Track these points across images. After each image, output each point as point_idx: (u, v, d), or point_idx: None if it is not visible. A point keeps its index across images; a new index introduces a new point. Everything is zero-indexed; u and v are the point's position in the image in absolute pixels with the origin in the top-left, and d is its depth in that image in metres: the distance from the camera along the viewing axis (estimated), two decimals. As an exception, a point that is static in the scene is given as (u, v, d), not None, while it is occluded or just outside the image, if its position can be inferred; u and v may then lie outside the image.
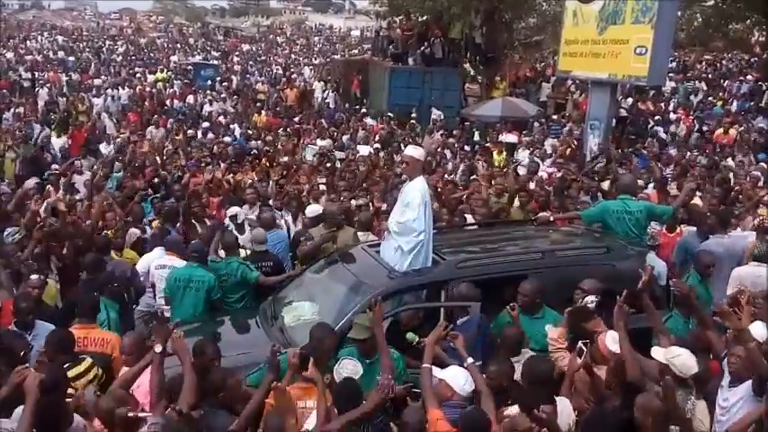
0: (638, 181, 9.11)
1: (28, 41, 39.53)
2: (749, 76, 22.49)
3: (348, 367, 4.35)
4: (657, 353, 4.28)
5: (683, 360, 4.12)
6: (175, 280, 6.32)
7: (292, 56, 40.33)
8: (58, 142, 13.77)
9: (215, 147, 13.78)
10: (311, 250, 6.68)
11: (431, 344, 4.53)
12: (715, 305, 5.27)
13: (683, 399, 4.11)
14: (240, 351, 5.18)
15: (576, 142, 14.89)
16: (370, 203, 8.89)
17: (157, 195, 9.50)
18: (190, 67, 30.15)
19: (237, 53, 40.29)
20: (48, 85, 23.71)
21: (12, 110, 17.71)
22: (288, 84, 26.15)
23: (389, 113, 19.01)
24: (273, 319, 5.78)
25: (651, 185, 9.98)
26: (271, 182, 10.42)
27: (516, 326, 5.00)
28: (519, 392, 4.27)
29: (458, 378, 4.27)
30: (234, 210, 8.19)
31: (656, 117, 17.47)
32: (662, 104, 19.83)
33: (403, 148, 11.11)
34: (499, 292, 5.42)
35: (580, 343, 4.42)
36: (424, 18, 22.28)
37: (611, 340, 4.50)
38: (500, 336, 4.96)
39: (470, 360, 4.41)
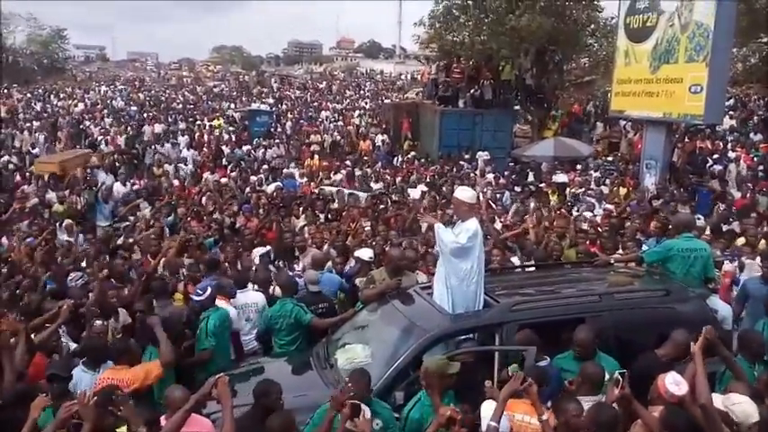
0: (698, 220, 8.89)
1: (92, 92, 41.40)
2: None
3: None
4: (717, 400, 4.14)
5: (742, 408, 4.00)
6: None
7: (345, 100, 40.96)
8: (122, 190, 14.14)
9: (275, 192, 13.66)
10: (375, 297, 6.43)
11: (504, 399, 4.11)
12: None
13: None
14: (296, 394, 5.14)
15: (632, 182, 14.66)
16: (418, 246, 8.83)
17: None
18: (238, 114, 30.80)
19: (291, 100, 41.20)
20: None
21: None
22: (360, 136, 25.94)
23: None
24: (327, 362, 5.81)
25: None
26: (313, 226, 10.40)
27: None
28: None
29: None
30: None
31: (714, 155, 17.06)
32: (719, 143, 19.35)
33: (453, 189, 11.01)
34: (555, 336, 5.30)
35: (617, 373, 4.27)
36: (475, 61, 22.48)
37: (672, 381, 4.34)
38: (580, 375, 4.74)
39: (545, 417, 4.13)
